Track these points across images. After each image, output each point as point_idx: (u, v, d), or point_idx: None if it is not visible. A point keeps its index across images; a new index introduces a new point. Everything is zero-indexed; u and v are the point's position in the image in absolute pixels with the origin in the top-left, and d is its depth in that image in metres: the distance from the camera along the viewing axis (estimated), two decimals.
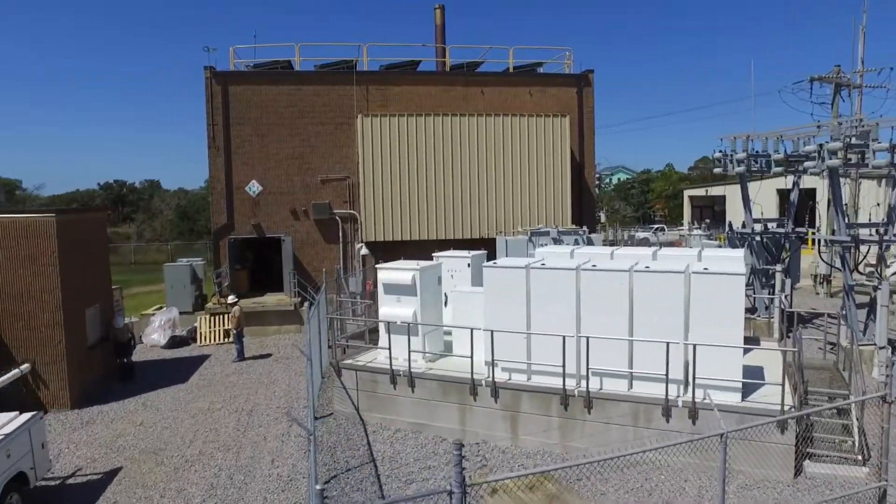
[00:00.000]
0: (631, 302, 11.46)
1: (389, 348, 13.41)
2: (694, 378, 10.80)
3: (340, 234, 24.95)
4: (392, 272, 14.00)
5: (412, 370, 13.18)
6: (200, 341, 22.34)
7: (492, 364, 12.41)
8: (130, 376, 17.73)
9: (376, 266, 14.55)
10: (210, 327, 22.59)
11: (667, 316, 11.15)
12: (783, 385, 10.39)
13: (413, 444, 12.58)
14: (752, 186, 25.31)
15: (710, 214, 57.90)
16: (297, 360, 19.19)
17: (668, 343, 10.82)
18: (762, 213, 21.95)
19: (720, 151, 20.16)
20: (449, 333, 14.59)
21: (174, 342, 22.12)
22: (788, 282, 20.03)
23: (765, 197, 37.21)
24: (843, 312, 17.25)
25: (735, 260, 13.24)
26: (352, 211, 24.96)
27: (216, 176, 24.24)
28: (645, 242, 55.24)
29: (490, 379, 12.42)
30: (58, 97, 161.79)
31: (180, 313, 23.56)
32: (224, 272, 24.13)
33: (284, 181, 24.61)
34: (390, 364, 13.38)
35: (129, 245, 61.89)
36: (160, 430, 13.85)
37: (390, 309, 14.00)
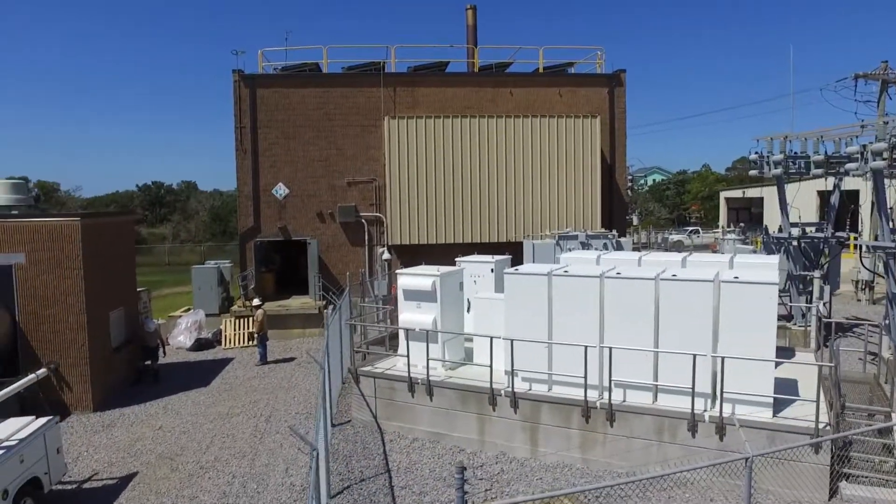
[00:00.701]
0: (657, 311, 10.98)
1: (408, 356, 13.13)
2: (722, 392, 10.27)
3: (366, 238, 24.81)
4: (412, 278, 13.72)
5: (431, 378, 12.88)
6: (225, 344, 22.41)
7: (511, 373, 12.04)
8: (154, 380, 17.78)
9: (396, 272, 14.29)
10: (235, 330, 22.64)
11: (694, 326, 10.64)
12: (818, 402, 9.79)
13: (430, 454, 12.28)
14: (791, 189, 24.39)
15: (747, 217, 56.37)
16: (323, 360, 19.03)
17: (694, 355, 10.30)
18: (800, 217, 21.07)
19: (756, 153, 19.42)
20: (470, 340, 14.25)
21: (199, 344, 22.22)
22: (827, 289, 19.20)
23: (805, 199, 35.99)
24: (886, 322, 16.41)
25: (768, 267, 12.64)
26: (378, 214, 24.79)
27: (243, 179, 24.31)
28: (679, 245, 54.35)
29: (510, 389, 12.05)
30: (95, 100, 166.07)
31: (207, 315, 23.69)
32: (250, 275, 24.18)
33: (311, 184, 24.57)
34: (408, 372, 13.10)
35: (164, 246, 62.85)
36: (178, 435, 13.81)
37: (410, 315, 13.72)
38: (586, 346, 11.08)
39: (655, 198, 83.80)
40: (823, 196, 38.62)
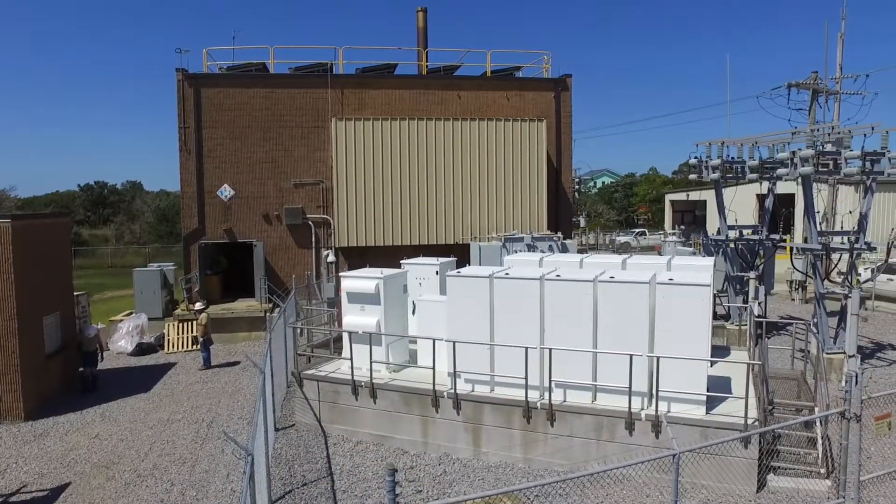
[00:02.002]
0: (595, 313, 11.23)
1: (351, 359, 13.10)
2: (657, 391, 10.57)
3: (314, 240, 24.59)
4: (355, 281, 13.68)
5: (374, 381, 12.87)
6: (168, 348, 21.90)
7: (454, 375, 12.13)
8: (92, 387, 17.18)
9: (340, 274, 14.23)
10: (178, 334, 22.16)
11: (631, 327, 10.93)
12: (746, 398, 10.17)
13: (373, 457, 12.27)
14: (729, 192, 25.24)
15: (692, 219, 57.99)
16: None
17: (631, 355, 10.58)
18: (737, 220, 21.83)
19: (696, 157, 20.02)
20: (414, 342, 14.30)
21: (141, 349, 21.66)
22: (762, 289, 19.93)
23: (744, 202, 37.27)
24: (815, 320, 17.15)
25: (703, 269, 13.08)
26: (325, 216, 24.60)
27: (187, 180, 23.79)
28: (626, 247, 55.59)
29: (452, 391, 12.14)
30: (38, 98, 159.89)
31: (150, 319, 23.12)
32: (194, 278, 23.68)
33: (257, 185, 24.22)
34: (352, 375, 13.06)
35: (107, 248, 60.93)
36: (115, 443, 13.44)
37: (353, 318, 13.68)
38: (527, 348, 11.25)
39: (604, 200, 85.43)
40: (762, 199, 40.13)
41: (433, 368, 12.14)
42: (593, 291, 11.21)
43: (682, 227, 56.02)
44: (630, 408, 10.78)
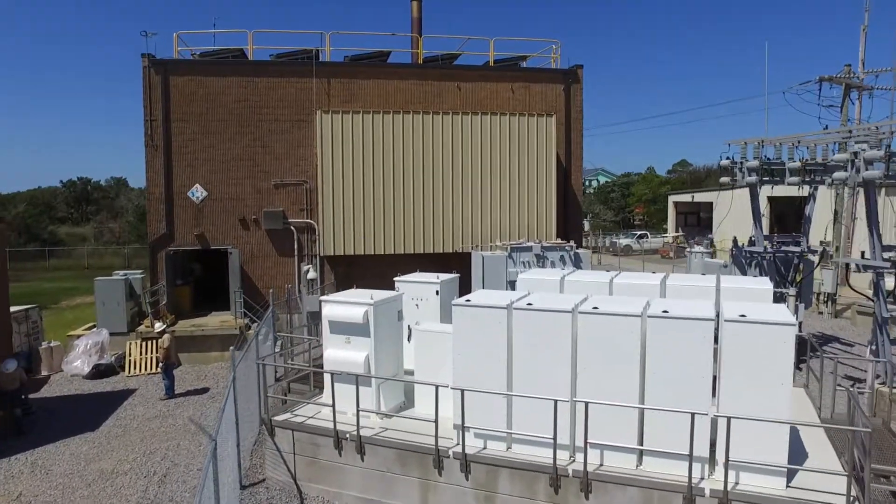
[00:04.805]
0: (643, 356, 8.82)
1: (333, 405, 10.60)
2: (727, 459, 8.17)
3: (296, 247, 22.07)
4: (340, 307, 11.20)
5: (362, 433, 10.40)
6: (129, 370, 19.34)
7: (462, 428, 9.69)
8: (18, 431, 14.27)
9: (320, 298, 11.75)
10: (141, 354, 19.59)
11: (691, 375, 8.53)
12: (849, 478, 7.79)
13: None
14: (725, 196, 22.94)
15: (696, 221, 55.84)
16: (237, 394, 16.28)
17: (693, 414, 8.18)
18: (761, 227, 19.50)
19: (728, 158, 17.67)
20: (411, 373, 11.85)
21: (98, 371, 19.07)
22: (801, 306, 17.65)
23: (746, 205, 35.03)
24: (873, 347, 14.85)
25: (764, 293, 10.74)
26: (309, 220, 22.07)
27: (153, 179, 21.22)
28: (627, 250, 53.32)
29: (459, 448, 9.70)
30: (19, 91, 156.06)
31: (113, 335, 20.54)
32: (161, 290, 21.11)
33: (232, 186, 21.66)
34: (334, 424, 10.59)
35: (84, 248, 58.01)
36: None
37: (337, 352, 11.21)
38: (556, 401, 8.82)
39: (600, 200, 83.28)
40: (775, 202, 37.87)
41: (436, 421, 9.68)
42: (641, 328, 8.81)
43: (681, 232, 53.96)
44: (691, 478, 8.38)
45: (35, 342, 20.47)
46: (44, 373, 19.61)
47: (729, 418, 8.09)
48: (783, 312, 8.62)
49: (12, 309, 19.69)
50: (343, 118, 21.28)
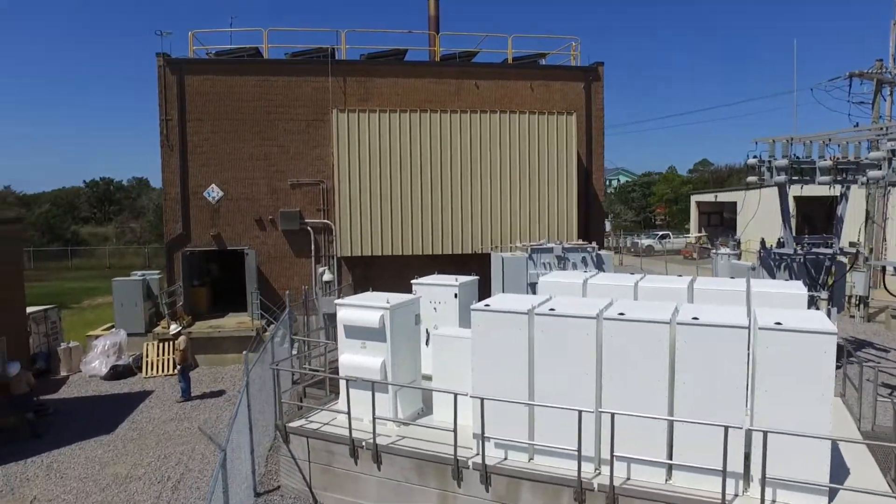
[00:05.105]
0: (672, 365, 8.40)
1: (349, 413, 10.29)
2: (764, 475, 7.73)
3: (313, 247, 21.85)
4: (355, 311, 10.89)
5: (378, 441, 10.09)
6: (146, 371, 19.22)
7: (481, 438, 9.32)
8: (33, 434, 14.04)
9: (335, 301, 11.45)
10: (158, 355, 19.47)
11: (723, 386, 8.09)
12: None
13: None
14: (753, 196, 22.25)
15: (719, 221, 54.91)
16: (253, 399, 16.07)
17: (726, 427, 7.75)
18: (795, 227, 18.89)
19: (755, 157, 17.13)
20: (429, 378, 11.52)
21: (116, 372, 18.97)
22: (834, 311, 17.05)
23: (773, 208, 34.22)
24: None
25: (797, 298, 10.26)
26: (326, 221, 21.85)
27: (170, 179, 21.12)
28: (649, 250, 52.54)
29: (479, 459, 9.33)
30: (46, 93, 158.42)
31: (131, 335, 20.49)
32: (178, 290, 20.99)
33: (249, 186, 21.49)
34: (350, 432, 10.28)
35: (106, 248, 58.49)
36: None
37: (352, 357, 10.90)
38: (580, 411, 8.43)
39: (621, 200, 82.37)
40: (800, 202, 36.98)
41: (455, 431, 9.33)
42: (670, 336, 8.38)
43: (704, 233, 53.06)
44: (724, 496, 7.94)
45: (54, 343, 20.45)
46: (62, 373, 19.57)
47: (765, 432, 7.64)
48: (821, 319, 8.15)
49: (32, 309, 19.72)
50: (360, 117, 21.01)
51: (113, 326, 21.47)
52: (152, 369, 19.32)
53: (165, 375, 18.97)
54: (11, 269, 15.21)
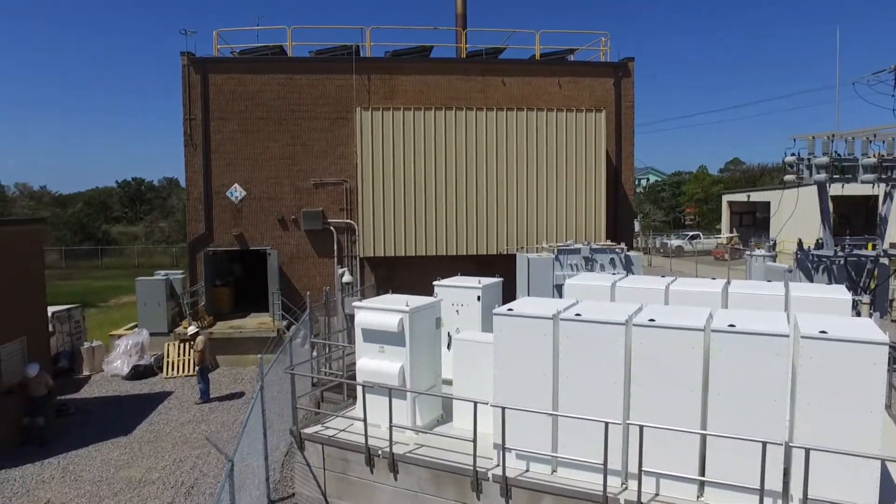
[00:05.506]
0: (706, 375, 7.85)
1: (365, 420, 9.91)
2: (805, 496, 7.16)
3: (336, 248, 21.59)
4: (373, 314, 10.52)
5: (395, 450, 9.69)
6: (167, 372, 19.13)
7: (502, 449, 8.87)
8: (41, 442, 13.62)
9: (353, 304, 11.09)
10: (179, 355, 19.37)
11: (761, 398, 7.52)
12: None
13: None
14: (789, 195, 21.37)
15: (751, 221, 53.57)
16: (271, 401, 15.79)
17: (764, 443, 7.20)
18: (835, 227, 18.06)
19: (793, 154, 16.36)
20: (450, 383, 11.09)
21: (137, 372, 18.93)
22: (876, 315, 16.20)
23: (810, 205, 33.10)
24: None
25: (841, 304, 9.62)
26: (349, 221, 21.57)
27: (193, 178, 21.05)
28: (679, 251, 51.42)
29: (500, 471, 8.88)
30: (77, 94, 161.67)
31: (154, 335, 20.45)
32: (200, 290, 20.89)
33: (271, 185, 21.31)
34: (366, 440, 9.90)
35: (135, 247, 59.23)
36: None
37: (370, 362, 10.54)
38: (607, 423, 7.93)
39: (650, 199, 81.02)
40: (838, 201, 35.76)
41: (474, 441, 8.89)
42: (704, 343, 7.84)
43: (735, 233, 51.77)
44: None
45: (77, 342, 20.50)
46: (85, 372, 19.60)
47: (808, 449, 7.07)
48: (871, 328, 7.54)
49: (55, 308, 19.78)
50: (384, 115, 20.68)
51: (136, 326, 21.47)
52: (173, 369, 19.24)
53: (186, 376, 18.86)
54: (33, 270, 15.14)
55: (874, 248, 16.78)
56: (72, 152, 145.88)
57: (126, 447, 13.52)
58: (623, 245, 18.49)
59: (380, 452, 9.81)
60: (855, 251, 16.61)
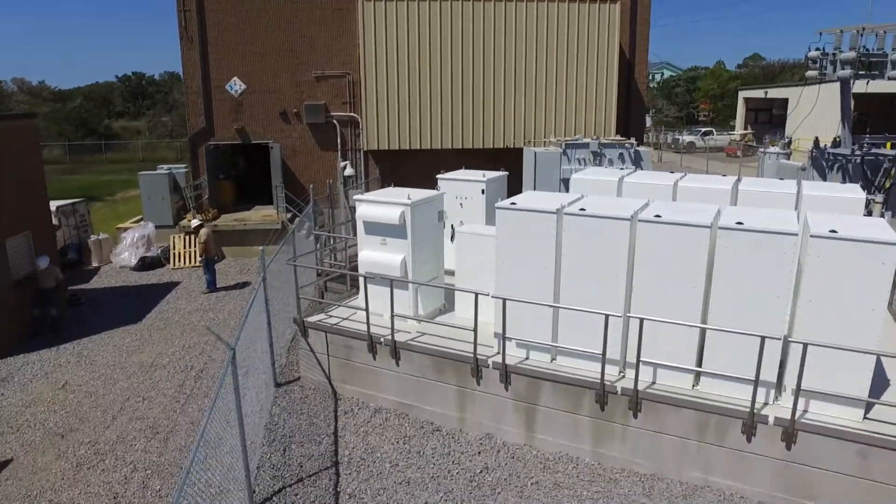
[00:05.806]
0: (710, 271, 7.80)
1: (367, 309, 10.04)
2: (799, 386, 7.29)
3: (339, 141, 21.19)
4: (374, 206, 10.42)
5: (397, 338, 9.87)
6: (174, 263, 19.34)
7: (503, 338, 9.02)
8: (54, 330, 13.84)
9: (354, 197, 10.97)
10: (185, 247, 19.51)
11: (764, 296, 7.50)
12: None
13: (394, 436, 9.48)
14: (809, 92, 20.63)
15: (767, 118, 52.19)
16: (277, 290, 16.02)
17: (763, 337, 7.25)
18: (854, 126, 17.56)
19: (817, 49, 15.64)
20: (451, 273, 11.17)
21: (144, 264, 19.13)
22: (888, 215, 16.02)
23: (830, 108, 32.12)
24: None
25: (854, 203, 9.43)
26: (352, 114, 21.04)
27: (190, 72, 20.34)
28: (691, 147, 50.40)
29: (500, 359, 9.06)
30: None
31: (159, 228, 20.52)
32: (203, 184, 20.75)
33: (272, 78, 20.63)
34: (368, 329, 10.07)
35: (138, 142, 58.64)
36: (81, 398, 10.97)
37: (372, 254, 10.55)
38: (608, 315, 7.98)
39: (664, 95, 78.66)
40: (862, 98, 34.60)
41: (475, 330, 9.00)
42: (710, 241, 7.74)
43: (750, 130, 50.50)
44: (753, 405, 7.56)
45: (84, 235, 20.62)
46: (94, 264, 19.83)
47: (806, 344, 7.12)
48: (882, 228, 7.41)
49: (60, 203, 19.76)
50: (387, 5, 19.69)
51: (142, 219, 21.53)
52: (179, 261, 19.43)
53: (192, 267, 19.07)
54: (31, 164, 14.94)
55: (893, 147, 16.38)
56: (70, 49, 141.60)
57: (136, 334, 13.86)
58: (633, 140, 18.06)
59: (382, 340, 10.01)
60: (873, 150, 16.22)
